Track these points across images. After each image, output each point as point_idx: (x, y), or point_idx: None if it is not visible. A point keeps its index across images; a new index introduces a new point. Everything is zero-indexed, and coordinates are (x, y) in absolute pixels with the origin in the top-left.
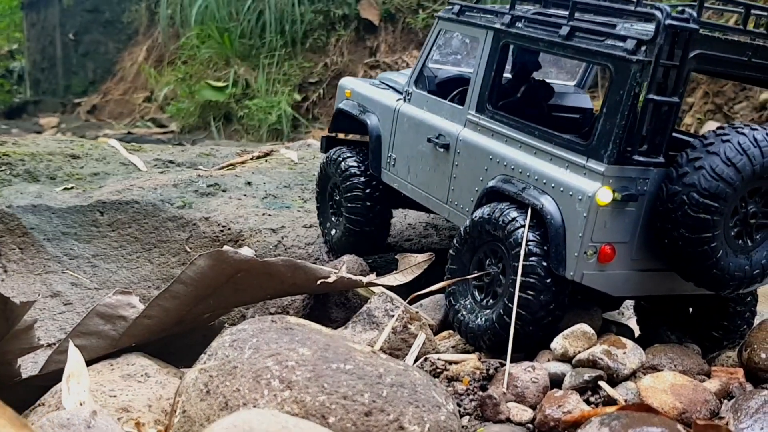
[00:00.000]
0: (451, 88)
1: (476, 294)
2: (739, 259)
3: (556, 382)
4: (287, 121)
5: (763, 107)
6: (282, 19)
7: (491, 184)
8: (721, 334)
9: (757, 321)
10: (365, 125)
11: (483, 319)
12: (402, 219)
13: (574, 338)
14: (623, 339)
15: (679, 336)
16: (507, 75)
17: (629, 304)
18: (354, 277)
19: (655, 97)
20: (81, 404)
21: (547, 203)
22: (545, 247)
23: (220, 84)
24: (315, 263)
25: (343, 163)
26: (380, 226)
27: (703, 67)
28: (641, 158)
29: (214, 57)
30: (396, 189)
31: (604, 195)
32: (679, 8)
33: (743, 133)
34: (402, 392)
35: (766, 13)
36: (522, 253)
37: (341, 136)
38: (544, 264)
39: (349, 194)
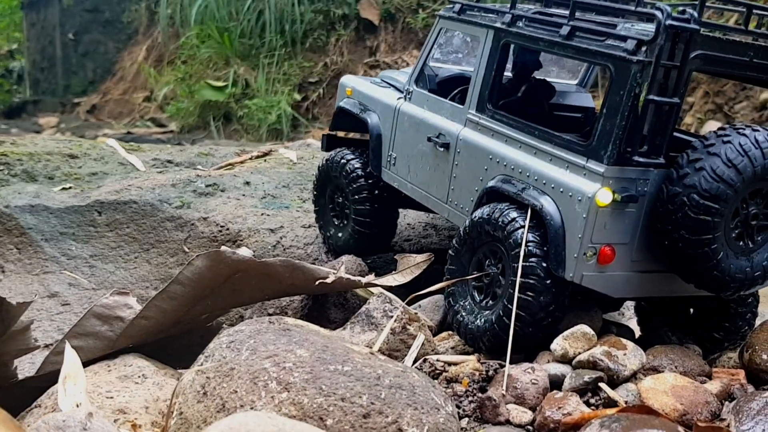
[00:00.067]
0: (451, 87)
1: (476, 295)
2: (740, 260)
3: (555, 383)
4: (287, 120)
5: (763, 107)
6: (282, 18)
7: (491, 184)
8: (722, 335)
9: (758, 322)
10: (366, 124)
11: (482, 320)
12: (401, 219)
13: (574, 339)
14: (623, 340)
15: (680, 337)
16: (508, 74)
17: (630, 304)
18: (353, 278)
19: (656, 98)
20: (77, 406)
21: (547, 204)
22: (545, 248)
23: (219, 84)
24: (314, 263)
25: (347, 165)
26: (388, 226)
27: (704, 68)
28: (641, 159)
29: (213, 57)
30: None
31: (604, 196)
32: (680, 8)
33: (744, 134)
34: (400, 394)
35: (767, 14)
36: (522, 254)
37: (342, 134)
38: (544, 265)
39: (356, 197)
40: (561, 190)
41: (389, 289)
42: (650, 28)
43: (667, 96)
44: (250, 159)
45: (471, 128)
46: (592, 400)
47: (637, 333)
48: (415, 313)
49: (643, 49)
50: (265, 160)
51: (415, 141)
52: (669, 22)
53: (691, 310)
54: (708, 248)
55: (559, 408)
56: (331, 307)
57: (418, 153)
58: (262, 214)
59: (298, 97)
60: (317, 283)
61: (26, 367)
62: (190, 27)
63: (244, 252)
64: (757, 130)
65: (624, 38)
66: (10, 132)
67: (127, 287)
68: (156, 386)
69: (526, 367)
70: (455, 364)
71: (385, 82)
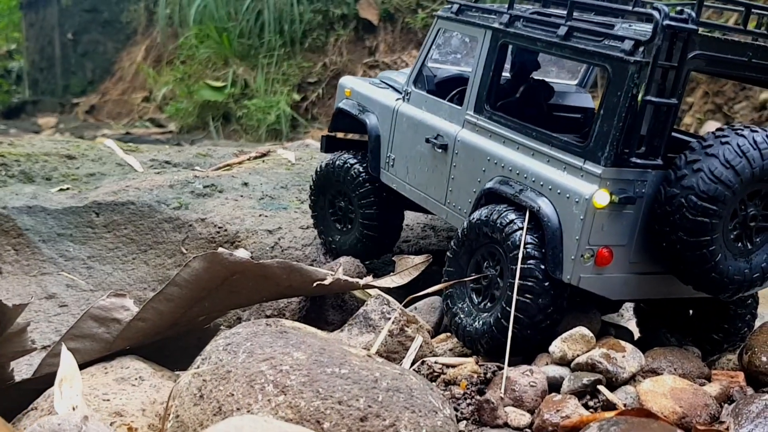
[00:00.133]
0: (450, 88)
1: (474, 297)
2: (738, 262)
3: (554, 386)
4: (286, 121)
5: (763, 107)
6: (281, 18)
7: (489, 185)
8: (722, 336)
9: (757, 323)
10: (364, 125)
11: (481, 322)
12: None
13: (573, 341)
14: (622, 342)
15: (679, 338)
16: (506, 75)
17: (629, 306)
18: (350, 279)
19: (653, 99)
20: (74, 409)
21: (545, 205)
22: (543, 250)
23: (218, 84)
24: (312, 265)
25: (352, 170)
26: (394, 229)
27: (703, 68)
28: (639, 160)
29: (212, 57)
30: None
31: (601, 197)
32: (678, 8)
33: (742, 135)
34: (398, 397)
35: (766, 13)
36: (520, 256)
37: (341, 135)
38: (542, 267)
39: (363, 201)
40: (558, 191)
41: (387, 290)
42: (648, 28)
43: (664, 97)
44: (249, 160)
45: (469, 129)
46: (591, 403)
47: (636, 335)
48: (413, 315)
49: (641, 49)
50: (263, 161)
51: (413, 142)
52: (667, 22)
53: (690, 311)
54: (706, 250)
55: (558, 411)
56: (329, 308)
57: (417, 154)
58: (260, 215)
59: (297, 97)
60: (315, 284)
61: (24, 368)
62: (188, 27)
63: (242, 253)
64: (756, 131)
65: (621, 38)
66: (9, 132)
67: (125, 288)
68: (153, 388)
69: (524, 369)
70: (453, 366)
71: (384, 82)
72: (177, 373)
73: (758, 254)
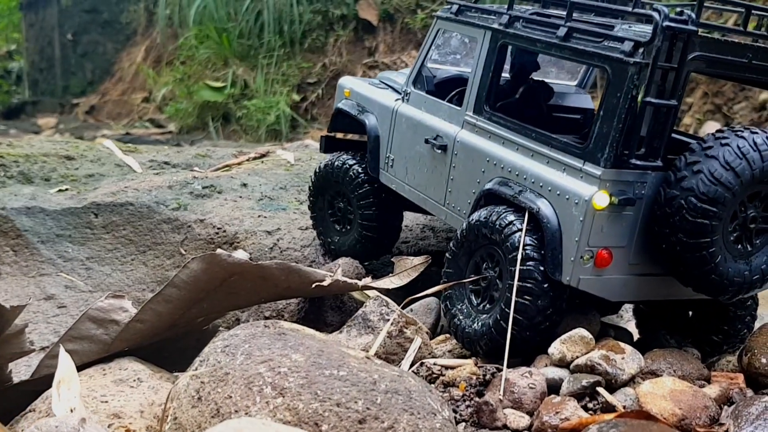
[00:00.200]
0: (449, 89)
1: (473, 298)
2: (738, 264)
3: (553, 387)
4: (286, 121)
5: (762, 107)
6: (280, 19)
7: (488, 186)
8: (721, 338)
9: (757, 325)
10: (364, 125)
11: (480, 323)
12: None
13: (572, 343)
14: (622, 344)
15: (679, 340)
16: (506, 76)
17: (628, 307)
18: (349, 281)
19: (653, 100)
20: (71, 410)
21: (544, 207)
22: (542, 252)
23: (218, 84)
24: (311, 266)
25: (351, 171)
26: (394, 230)
27: (703, 69)
28: (639, 162)
29: (212, 57)
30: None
31: (601, 199)
32: (678, 9)
33: (743, 137)
34: (397, 399)
35: (766, 14)
36: (519, 257)
37: (340, 136)
38: (541, 269)
39: (362, 202)
40: (558, 193)
41: (386, 291)
42: (648, 29)
43: (664, 98)
44: (248, 160)
45: (468, 130)
46: (590, 405)
47: (636, 336)
48: (412, 317)
49: (641, 50)
50: (262, 162)
51: (412, 143)
52: (666, 23)
53: (690, 313)
54: (706, 252)
55: (557, 413)
56: (327, 310)
57: (416, 155)
58: (259, 216)
59: (296, 97)
60: (314, 285)
61: (22, 370)
62: (188, 28)
63: (241, 255)
64: (756, 133)
65: (621, 39)
66: (9, 133)
67: (124, 290)
68: (151, 390)
69: (523, 371)
70: (452, 367)
71: (383, 83)
72: (176, 374)
73: (758, 256)
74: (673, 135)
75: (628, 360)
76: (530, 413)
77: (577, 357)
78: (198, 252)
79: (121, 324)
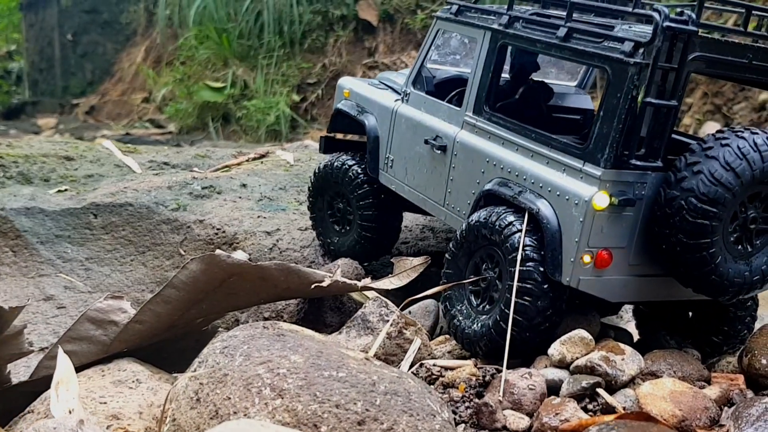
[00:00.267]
0: (449, 89)
1: (472, 299)
2: (738, 264)
3: (553, 389)
4: (285, 121)
5: (762, 108)
6: (280, 19)
7: (488, 187)
8: (721, 339)
9: (757, 325)
10: (363, 126)
11: (479, 324)
12: None
13: (572, 344)
14: (622, 345)
15: (679, 341)
16: (506, 76)
17: (628, 308)
18: (348, 281)
19: (653, 101)
20: (70, 412)
21: (544, 207)
22: (542, 252)
23: (218, 85)
24: (311, 266)
25: (350, 171)
26: (393, 230)
27: (703, 70)
28: (639, 162)
29: (212, 58)
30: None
31: (601, 199)
32: (678, 10)
33: (743, 137)
34: (396, 400)
35: (766, 15)
36: (519, 258)
37: (340, 136)
38: (541, 269)
39: (361, 203)
40: (558, 193)
41: (386, 292)
42: (648, 29)
43: (664, 98)
44: (247, 161)
45: (468, 131)
46: (590, 406)
47: (636, 337)
48: (411, 318)
49: (641, 51)
50: (261, 162)
51: (412, 143)
52: (667, 23)
53: (690, 314)
54: (706, 252)
55: (557, 414)
56: (327, 311)
57: (415, 155)
58: (259, 217)
59: (296, 98)
60: (313, 286)
61: (22, 370)
62: (188, 28)
63: (240, 255)
64: (756, 133)
65: (621, 40)
66: (9, 133)
67: (123, 290)
68: (150, 391)
69: (523, 372)
70: (452, 368)
71: (383, 83)
72: (175, 375)
73: (758, 257)
74: (673, 135)
75: (628, 361)
76: (530, 414)
77: (577, 358)
78: (197, 253)
79: (120, 325)
